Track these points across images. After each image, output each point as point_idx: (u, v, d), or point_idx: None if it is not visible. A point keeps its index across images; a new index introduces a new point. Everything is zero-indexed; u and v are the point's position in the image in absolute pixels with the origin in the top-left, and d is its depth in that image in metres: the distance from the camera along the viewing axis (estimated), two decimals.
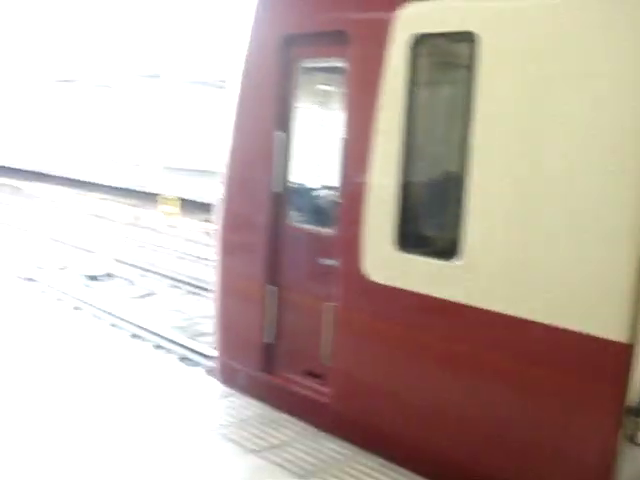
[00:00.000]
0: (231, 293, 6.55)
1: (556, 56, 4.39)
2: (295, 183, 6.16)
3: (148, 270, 17.25)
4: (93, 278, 16.21)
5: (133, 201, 27.16)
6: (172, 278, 16.52)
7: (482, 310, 4.61)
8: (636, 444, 5.34)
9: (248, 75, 6.34)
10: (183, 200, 24.20)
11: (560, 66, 4.37)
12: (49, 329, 7.92)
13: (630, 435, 4.99)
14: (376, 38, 5.19)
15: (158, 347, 11.69)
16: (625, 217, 4.07)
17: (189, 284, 15.98)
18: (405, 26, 5.04)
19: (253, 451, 5.15)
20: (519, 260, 4.52)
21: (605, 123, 4.17)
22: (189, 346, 11.53)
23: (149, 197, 26.05)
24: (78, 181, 30.35)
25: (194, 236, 23.07)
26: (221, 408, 5.91)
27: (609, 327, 4.10)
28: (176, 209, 24.29)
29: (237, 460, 5.02)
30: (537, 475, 4.53)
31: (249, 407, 5.93)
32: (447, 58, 5.32)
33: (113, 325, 12.77)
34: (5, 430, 5.28)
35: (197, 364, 10.88)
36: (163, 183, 26.76)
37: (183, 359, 11.14)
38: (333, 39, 5.59)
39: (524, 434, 4.56)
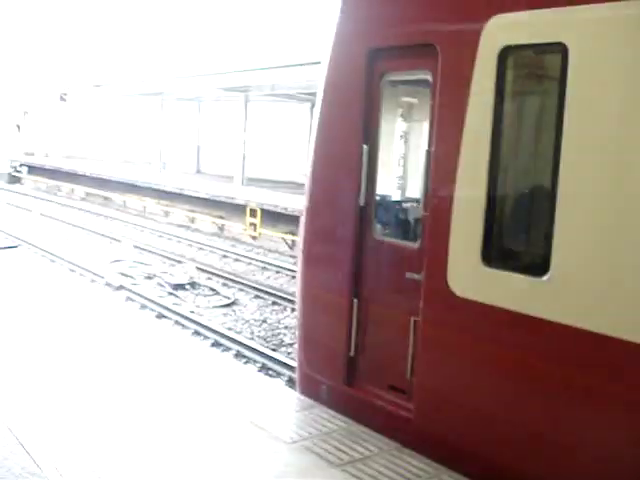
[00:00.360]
0: (314, 305, 6.57)
1: None
2: (380, 196, 6.14)
3: (232, 280, 17.53)
4: (178, 287, 16.56)
5: (219, 212, 27.63)
6: (255, 288, 16.72)
7: (570, 327, 4.49)
8: None
9: (332, 88, 6.36)
10: (264, 211, 24.48)
11: None
12: (133, 336, 8.11)
13: None
14: (464, 50, 5.14)
15: (239, 356, 11.85)
16: None
17: (272, 294, 16.13)
18: (493, 38, 4.98)
19: (335, 464, 5.13)
20: (610, 277, 4.39)
21: None
22: (270, 355, 11.64)
23: (234, 208, 26.45)
24: (166, 192, 31.10)
25: (276, 247, 23.33)
26: (303, 420, 5.92)
27: None
28: (257, 220, 24.59)
29: (319, 473, 5.01)
30: None
31: (331, 420, 5.92)
32: (536, 70, 5.22)
33: (196, 333, 13.01)
34: (98, 431, 5.45)
35: (278, 374, 10.97)
36: (247, 194, 27.13)
37: (263, 368, 11.26)
38: (419, 52, 5.57)
39: (611, 454, 4.41)
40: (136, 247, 21.03)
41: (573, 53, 4.54)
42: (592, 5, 4.53)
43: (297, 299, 6.84)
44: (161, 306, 14.43)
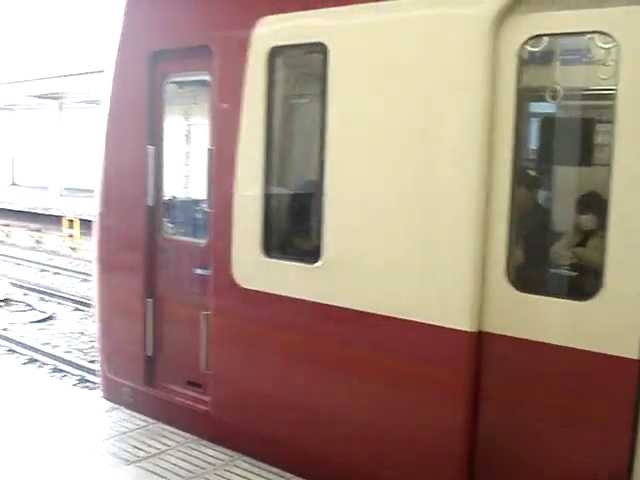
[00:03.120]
0: (111, 308, 6.55)
1: (395, 70, 4.58)
2: (168, 196, 6.22)
3: (49, 294, 16.91)
4: None
5: (36, 224, 26.49)
6: (74, 300, 16.24)
7: (341, 308, 4.80)
8: None
9: (118, 91, 6.37)
10: (83, 221, 23.72)
11: (398, 79, 4.57)
12: None
13: None
14: (236, 51, 5.31)
15: (56, 370, 11.50)
16: (464, 221, 4.29)
17: (92, 306, 15.68)
18: (262, 39, 5.18)
19: (131, 462, 5.18)
20: (367, 262, 4.73)
21: (446, 135, 4.38)
22: (88, 367, 11.37)
23: (52, 220, 25.48)
24: None
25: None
26: (103, 423, 5.91)
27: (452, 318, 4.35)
28: (76, 231, 23.82)
29: (114, 471, 5.04)
30: (401, 465, 4.70)
31: (131, 420, 5.95)
32: (302, 69, 5.50)
33: (10, 350, 12.48)
34: None
35: (97, 385, 10.74)
36: (64, 205, 26.21)
37: (82, 381, 10.99)
38: (198, 54, 5.68)
39: (376, 422, 4.75)
40: None
41: (332, 52, 4.82)
42: (348, 7, 4.83)
43: (95, 305, 6.81)
44: None
